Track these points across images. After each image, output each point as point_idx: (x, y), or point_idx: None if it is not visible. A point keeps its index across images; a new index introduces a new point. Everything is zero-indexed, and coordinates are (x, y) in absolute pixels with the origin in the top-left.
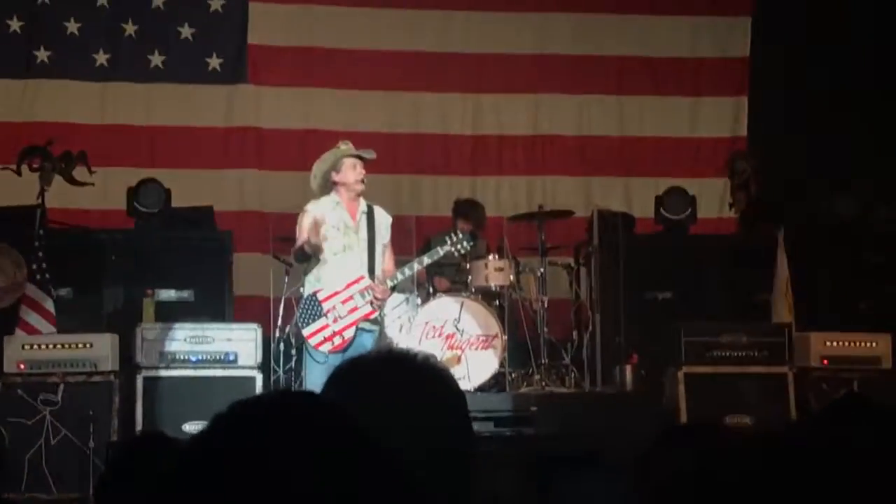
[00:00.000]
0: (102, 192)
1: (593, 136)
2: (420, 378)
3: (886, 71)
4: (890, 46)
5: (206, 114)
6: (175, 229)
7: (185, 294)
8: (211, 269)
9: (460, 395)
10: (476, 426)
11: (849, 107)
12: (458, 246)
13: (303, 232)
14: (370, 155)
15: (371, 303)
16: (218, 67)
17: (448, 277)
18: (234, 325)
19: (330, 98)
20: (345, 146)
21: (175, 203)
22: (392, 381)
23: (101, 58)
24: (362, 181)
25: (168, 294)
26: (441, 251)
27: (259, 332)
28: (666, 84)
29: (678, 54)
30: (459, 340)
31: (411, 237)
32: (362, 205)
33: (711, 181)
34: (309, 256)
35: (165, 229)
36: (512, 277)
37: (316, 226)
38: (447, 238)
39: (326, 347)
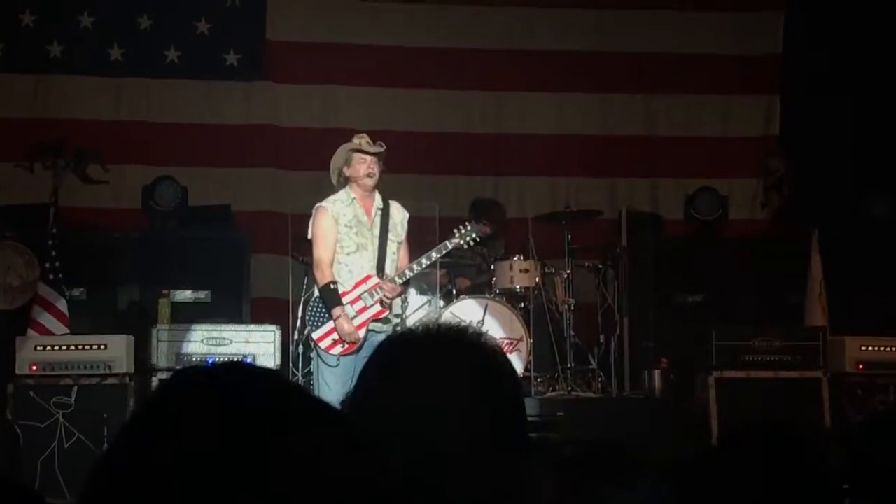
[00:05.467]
0: (117, 190)
1: (619, 136)
2: (471, 356)
3: None
4: None
5: (224, 111)
6: (192, 228)
7: (202, 295)
8: (228, 269)
9: (515, 377)
10: None
11: (887, 104)
12: (467, 238)
13: (323, 237)
14: (375, 148)
15: (381, 302)
16: (236, 63)
17: (468, 277)
18: (253, 327)
19: (349, 95)
20: (358, 139)
21: (192, 202)
22: (439, 359)
23: (116, 53)
24: (370, 175)
25: (184, 295)
26: (449, 244)
27: (278, 334)
28: (695, 82)
29: (707, 50)
30: None
31: (433, 238)
32: (378, 200)
33: (743, 181)
34: (337, 296)
35: (182, 228)
36: (538, 279)
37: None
38: (455, 231)
39: (337, 350)
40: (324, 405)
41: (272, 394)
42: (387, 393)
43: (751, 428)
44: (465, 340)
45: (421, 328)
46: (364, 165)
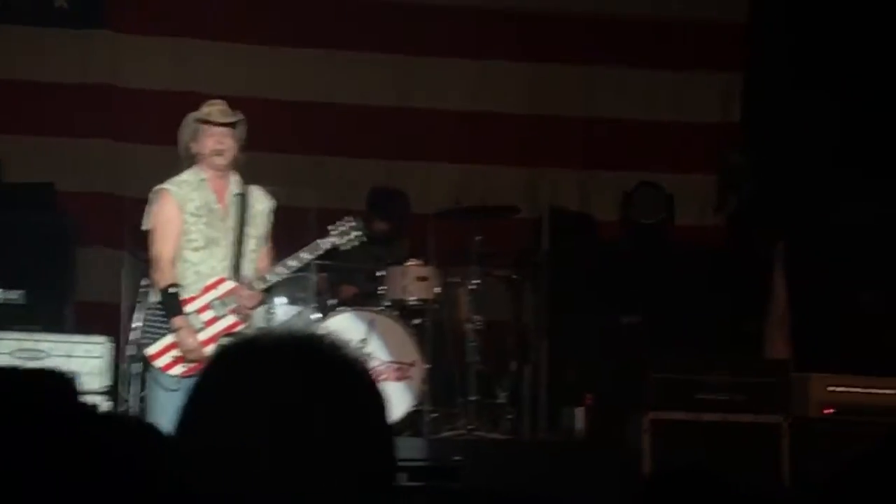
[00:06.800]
0: None
1: (547, 116)
2: (325, 371)
3: None
4: None
5: (50, 66)
6: (3, 211)
7: (14, 296)
8: (48, 264)
9: (380, 404)
10: None
11: (872, 87)
12: (346, 237)
13: (163, 228)
14: (225, 118)
15: (236, 312)
16: (66, 5)
17: (357, 286)
18: (77, 338)
19: (209, 52)
20: (209, 108)
21: (6, 178)
22: (286, 373)
23: None
24: (218, 153)
25: None
26: (324, 244)
27: (109, 347)
28: (640, 53)
29: (657, 16)
30: None
31: (311, 234)
32: (234, 184)
33: (693, 177)
34: (177, 302)
35: None
36: (437, 290)
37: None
38: (331, 228)
39: (178, 370)
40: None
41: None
42: (218, 411)
43: (671, 479)
44: (316, 353)
45: (267, 336)
46: (212, 140)
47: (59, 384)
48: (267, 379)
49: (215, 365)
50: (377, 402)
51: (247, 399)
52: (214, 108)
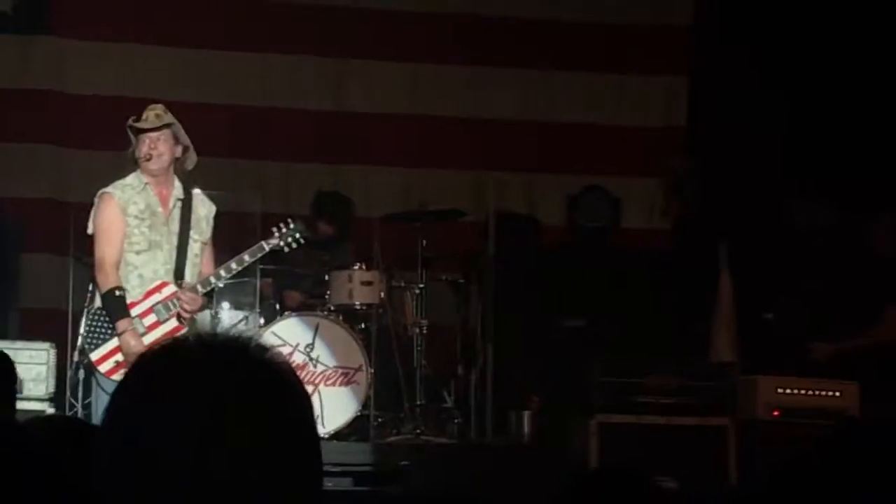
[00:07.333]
0: None
1: (488, 119)
2: (248, 377)
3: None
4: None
5: None
6: None
7: None
8: None
9: (305, 405)
10: (330, 482)
11: (824, 94)
12: (288, 238)
13: (106, 231)
14: (146, 123)
15: (178, 316)
16: (9, 10)
17: (302, 291)
18: (20, 344)
19: (154, 57)
20: (145, 113)
21: None
22: (207, 378)
23: None
24: (148, 158)
25: None
26: (266, 245)
27: (52, 353)
28: (584, 56)
29: (600, 19)
30: (312, 373)
31: (255, 239)
32: (178, 189)
33: (639, 180)
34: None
35: None
36: (383, 294)
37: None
38: (274, 230)
39: (120, 375)
40: None
41: None
42: (140, 415)
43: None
44: (239, 354)
45: (192, 338)
46: (144, 145)
47: None
48: (188, 382)
49: (137, 368)
50: (303, 406)
51: (167, 403)
52: (150, 113)
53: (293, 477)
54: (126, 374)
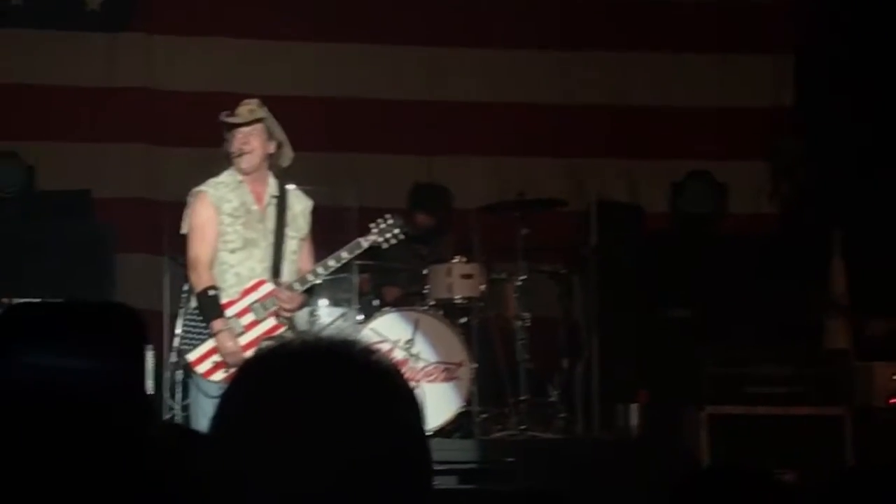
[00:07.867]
0: None
1: (585, 106)
2: (356, 380)
3: None
4: None
5: (83, 70)
6: (40, 220)
7: None
8: (87, 272)
9: (416, 408)
10: (435, 481)
11: None
12: (387, 234)
13: (200, 230)
14: (235, 119)
15: (276, 315)
16: (98, 8)
17: (400, 286)
18: None
19: (245, 51)
20: (238, 109)
21: (40, 186)
22: (314, 383)
23: None
24: (240, 153)
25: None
26: (364, 242)
27: (150, 354)
28: (684, 36)
29: None
30: (413, 369)
31: (352, 234)
32: (272, 185)
33: (746, 164)
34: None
35: (26, 219)
36: (483, 287)
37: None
38: (372, 225)
39: (219, 376)
40: None
41: None
42: (249, 422)
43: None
44: (346, 358)
45: (298, 342)
46: (237, 141)
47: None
48: (296, 387)
49: (243, 373)
50: (413, 408)
51: (275, 408)
52: (243, 108)
53: (405, 480)
54: (232, 381)
